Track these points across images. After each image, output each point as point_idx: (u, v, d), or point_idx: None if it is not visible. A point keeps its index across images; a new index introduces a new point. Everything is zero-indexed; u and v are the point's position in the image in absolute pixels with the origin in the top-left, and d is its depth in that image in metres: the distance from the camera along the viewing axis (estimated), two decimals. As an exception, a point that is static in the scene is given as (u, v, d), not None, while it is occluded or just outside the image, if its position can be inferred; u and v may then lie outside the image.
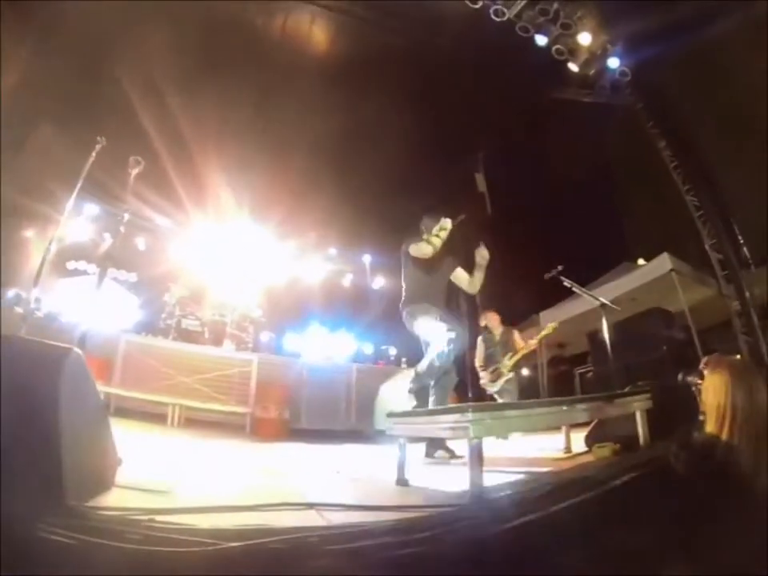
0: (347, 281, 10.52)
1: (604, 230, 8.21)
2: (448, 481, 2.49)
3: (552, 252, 6.79)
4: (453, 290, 4.00)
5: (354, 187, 8.28)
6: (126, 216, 3.67)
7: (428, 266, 3.73)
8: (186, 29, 6.96)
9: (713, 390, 1.87)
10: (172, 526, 1.33)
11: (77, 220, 7.82)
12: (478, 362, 5.76)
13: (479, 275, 3.79)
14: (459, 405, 2.12)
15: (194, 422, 5.94)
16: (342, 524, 1.53)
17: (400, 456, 2.57)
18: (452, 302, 4.10)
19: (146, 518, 1.41)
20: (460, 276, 3.91)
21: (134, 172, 3.80)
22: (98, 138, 3.92)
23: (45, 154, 7.33)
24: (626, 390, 3.19)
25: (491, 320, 5.87)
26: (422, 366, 3.57)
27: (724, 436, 1.80)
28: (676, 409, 2.90)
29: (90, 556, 1.15)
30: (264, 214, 8.39)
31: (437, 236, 3.64)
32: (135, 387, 6.03)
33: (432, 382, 3.56)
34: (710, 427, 1.89)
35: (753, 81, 6.30)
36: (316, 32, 7.38)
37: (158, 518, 1.42)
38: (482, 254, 3.74)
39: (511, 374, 5.44)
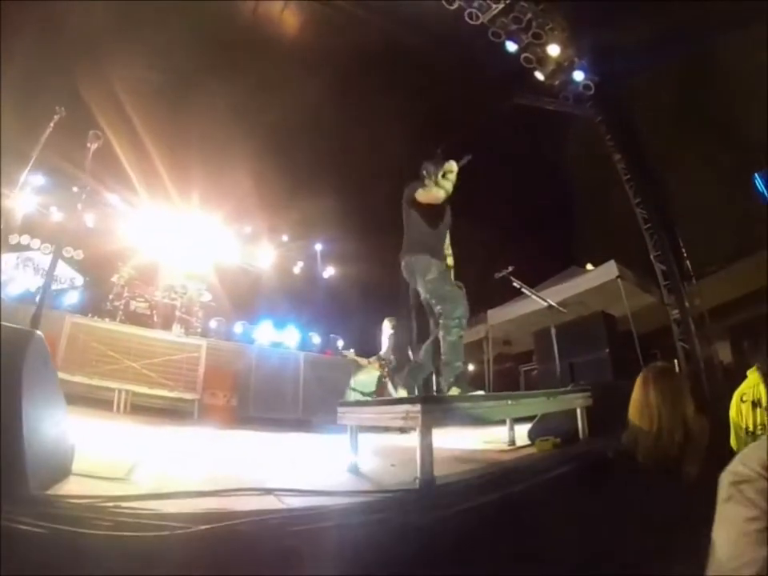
0: (298, 268, 10.52)
1: (556, 234, 8.66)
2: (397, 468, 2.67)
3: (503, 252, 7.18)
4: None
5: (308, 175, 8.31)
6: (84, 193, 3.55)
7: (433, 214, 3.47)
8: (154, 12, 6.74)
9: (636, 389, 2.13)
10: (139, 512, 1.40)
11: (23, 192, 7.41)
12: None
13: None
14: (410, 396, 2.27)
15: (140, 408, 5.83)
16: (301, 507, 1.65)
17: (351, 444, 2.71)
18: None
19: (111, 504, 1.48)
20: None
21: (93, 147, 3.67)
22: (57, 108, 3.77)
23: None
24: (569, 387, 3.47)
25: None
26: (448, 339, 3.12)
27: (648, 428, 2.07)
28: (614, 407, 3.22)
29: (60, 544, 1.21)
30: (216, 199, 8.27)
31: (446, 179, 3.39)
32: (80, 371, 5.83)
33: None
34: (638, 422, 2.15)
35: (712, 99, 6.85)
36: (287, 21, 7.30)
37: (123, 504, 1.48)
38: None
39: None
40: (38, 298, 4.26)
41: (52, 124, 4.02)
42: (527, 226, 8.11)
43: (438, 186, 3.32)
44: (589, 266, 8.21)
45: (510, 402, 2.62)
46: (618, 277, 6.74)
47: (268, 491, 1.87)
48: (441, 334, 3.06)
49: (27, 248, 7.98)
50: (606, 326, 6.28)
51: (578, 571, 1.79)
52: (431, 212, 3.41)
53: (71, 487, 1.71)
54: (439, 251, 3.44)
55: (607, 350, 6.02)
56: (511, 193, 8.28)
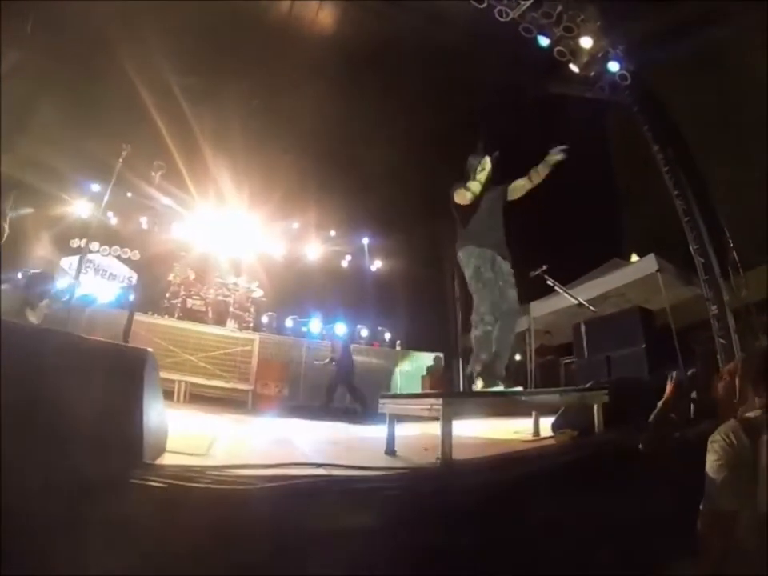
0: (346, 262, 11.14)
1: (601, 224, 8.79)
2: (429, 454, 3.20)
3: (546, 244, 7.45)
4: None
5: (354, 170, 8.81)
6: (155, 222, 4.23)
7: (471, 207, 3.80)
8: (190, 16, 7.35)
9: None
10: (222, 477, 2.01)
11: (81, 199, 8.40)
12: None
13: (545, 171, 3.85)
14: (436, 392, 2.78)
15: (198, 397, 6.65)
16: (344, 476, 2.23)
17: (389, 430, 3.26)
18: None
19: (203, 470, 2.10)
20: (517, 187, 4.00)
21: (158, 176, 4.37)
22: (124, 145, 4.48)
23: (47, 134, 7.81)
24: (588, 385, 3.87)
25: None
26: (474, 334, 3.53)
27: None
28: (630, 402, 3.60)
29: (179, 494, 1.82)
30: (264, 196, 8.93)
31: (476, 180, 3.74)
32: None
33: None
34: None
35: (753, 85, 6.81)
36: (322, 20, 7.77)
37: (211, 471, 2.10)
38: (554, 156, 3.83)
39: None
40: (127, 316, 5.05)
41: (120, 160, 4.73)
42: (570, 218, 8.29)
43: (467, 188, 3.73)
44: (633, 257, 8.35)
45: (523, 398, 3.08)
46: (657, 270, 6.90)
47: (318, 465, 2.45)
48: (472, 329, 3.54)
49: (87, 251, 9.04)
50: (642, 320, 6.50)
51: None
52: (470, 206, 3.80)
53: (168, 460, 2.35)
54: (488, 238, 3.78)
55: (643, 345, 6.27)
56: (552, 184, 8.48)
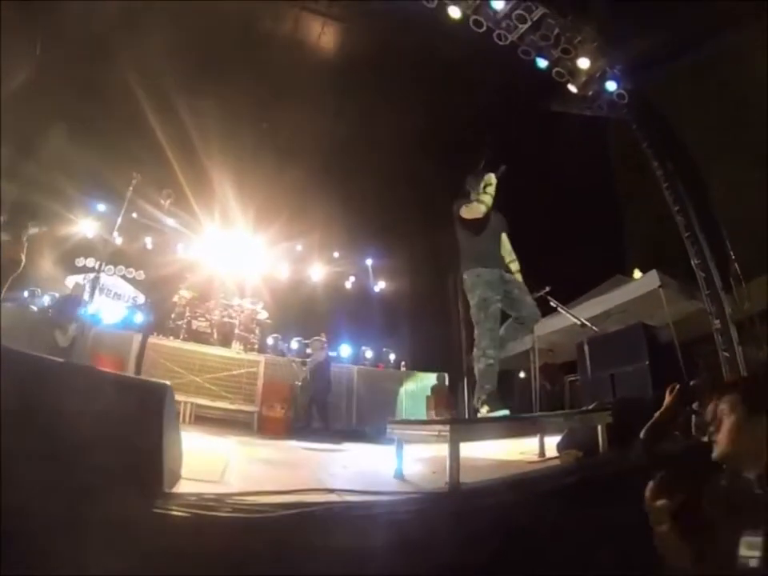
0: (349, 283, 11.32)
1: (603, 240, 8.96)
2: (436, 477, 3.31)
3: (549, 261, 7.60)
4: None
5: (357, 191, 9.04)
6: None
7: (479, 225, 3.86)
8: (192, 34, 7.59)
9: None
10: (245, 504, 2.14)
11: (86, 219, 8.62)
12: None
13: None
14: (443, 418, 2.92)
15: (203, 419, 6.77)
16: (356, 501, 2.35)
17: (397, 454, 3.38)
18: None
19: (220, 498, 2.23)
20: (504, 241, 4.12)
21: (167, 203, 4.57)
22: (134, 174, 4.69)
23: (56, 154, 8.04)
24: (591, 406, 3.99)
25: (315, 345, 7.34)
26: (477, 367, 3.62)
27: None
28: (632, 421, 3.71)
29: (201, 523, 1.95)
30: (268, 218, 9.14)
31: (486, 193, 3.79)
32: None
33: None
34: None
35: (751, 99, 7.01)
36: (325, 41, 8.07)
37: (227, 499, 2.23)
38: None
39: None
40: (141, 339, 5.22)
41: (131, 188, 4.93)
42: (572, 234, 8.48)
43: (479, 201, 3.82)
44: (636, 273, 8.50)
45: (528, 423, 3.21)
46: (659, 286, 7.04)
47: (331, 490, 2.57)
48: (474, 359, 3.65)
49: (92, 270, 9.21)
50: (645, 337, 6.63)
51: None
52: (478, 224, 3.87)
53: (185, 487, 2.47)
54: (492, 259, 3.87)
55: (647, 362, 6.39)
56: (554, 201, 8.68)
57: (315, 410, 7.25)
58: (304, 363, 7.65)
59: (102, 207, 8.93)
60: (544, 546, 2.49)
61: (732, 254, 7.52)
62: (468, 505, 2.50)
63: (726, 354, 6.59)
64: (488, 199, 3.79)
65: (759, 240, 7.50)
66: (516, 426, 3.22)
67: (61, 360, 3.86)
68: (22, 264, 5.23)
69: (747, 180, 7.21)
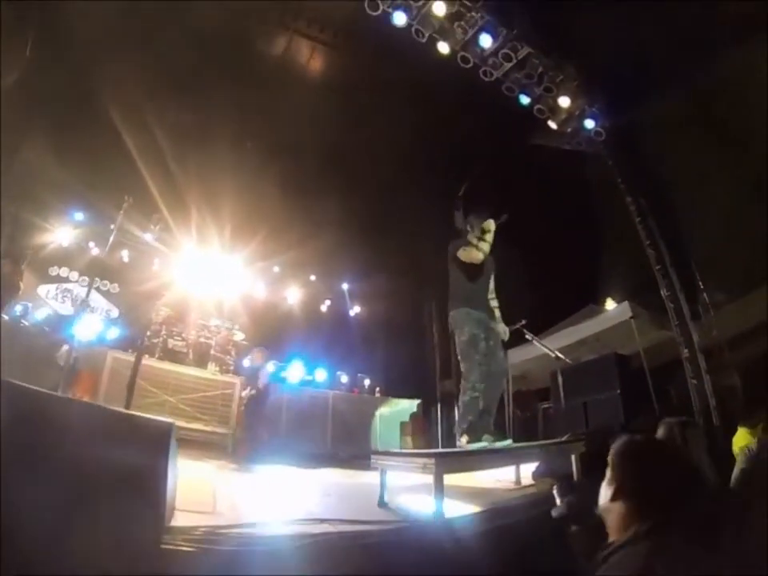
0: (325, 307, 11.51)
1: (576, 270, 9.42)
2: (417, 504, 3.53)
3: (524, 291, 7.98)
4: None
5: (335, 215, 9.27)
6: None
7: (474, 270, 4.12)
8: (181, 48, 7.74)
9: None
10: (248, 536, 2.31)
11: (64, 228, 8.61)
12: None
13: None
14: (428, 451, 3.15)
15: (177, 440, 6.78)
16: (348, 531, 2.56)
17: (381, 483, 3.58)
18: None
19: (216, 529, 2.40)
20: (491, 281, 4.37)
21: (157, 228, 4.72)
22: (126, 198, 4.83)
23: (33, 161, 8.02)
24: (566, 437, 4.29)
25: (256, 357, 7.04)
26: (462, 399, 3.87)
27: None
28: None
29: (209, 556, 2.12)
30: (246, 237, 9.28)
31: (484, 240, 4.04)
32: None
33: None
34: None
35: (726, 140, 7.60)
36: (313, 64, 8.36)
37: (223, 531, 2.40)
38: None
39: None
40: (134, 360, 5.30)
41: (122, 212, 5.06)
42: (547, 265, 8.90)
43: (478, 248, 4.08)
44: (609, 303, 8.98)
45: (507, 455, 3.49)
46: (631, 317, 7.49)
47: (322, 520, 2.77)
48: (460, 391, 3.93)
49: (66, 280, 9.18)
50: (617, 366, 7.01)
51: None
52: (473, 269, 4.14)
53: (184, 519, 2.62)
54: (480, 301, 4.17)
55: (618, 391, 6.77)
56: (532, 231, 9.10)
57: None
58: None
59: (79, 216, 8.92)
60: (529, 572, 2.75)
61: (701, 284, 8.08)
62: (453, 534, 2.74)
63: (695, 381, 7.02)
64: (486, 247, 4.08)
65: (731, 267, 8.08)
66: (495, 458, 3.48)
67: (68, 397, 3.96)
68: (21, 290, 5.31)
69: (724, 211, 7.79)
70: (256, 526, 2.51)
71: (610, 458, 1.57)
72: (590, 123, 7.55)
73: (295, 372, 9.39)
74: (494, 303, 4.46)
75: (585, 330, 8.14)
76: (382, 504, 3.44)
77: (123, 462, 2.13)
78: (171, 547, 2.10)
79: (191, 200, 8.66)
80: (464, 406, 3.80)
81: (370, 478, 4.64)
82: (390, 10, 6.43)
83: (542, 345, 5.65)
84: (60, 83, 7.38)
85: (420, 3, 6.36)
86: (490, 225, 4.18)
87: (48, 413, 2.23)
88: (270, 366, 7.59)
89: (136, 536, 2.04)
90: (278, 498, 3.67)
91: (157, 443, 2.35)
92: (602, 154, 8.04)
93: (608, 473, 1.57)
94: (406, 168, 8.96)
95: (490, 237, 4.12)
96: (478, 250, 4.06)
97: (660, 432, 2.73)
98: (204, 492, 3.47)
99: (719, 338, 7.58)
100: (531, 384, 8.87)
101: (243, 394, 6.90)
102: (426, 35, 6.67)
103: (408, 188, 9.20)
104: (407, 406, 9.37)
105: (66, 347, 5.08)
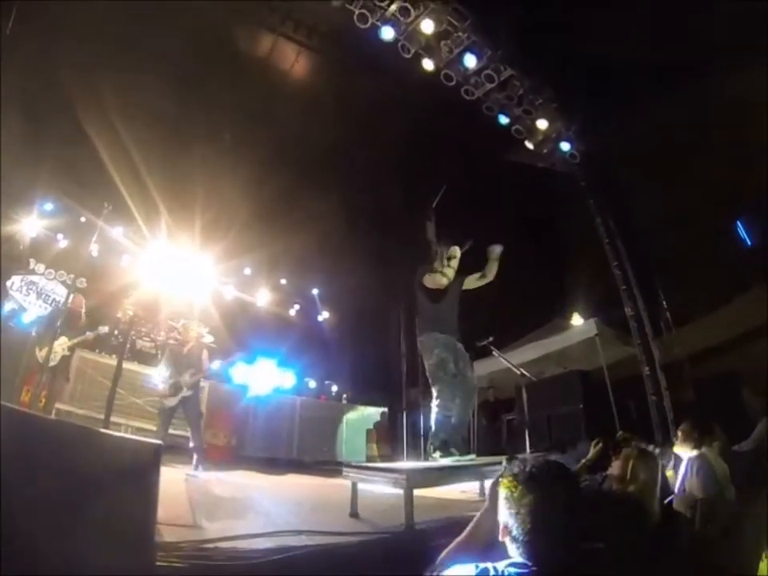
0: (294, 311, 11.67)
1: (545, 283, 9.87)
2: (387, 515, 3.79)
3: (492, 303, 8.31)
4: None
5: (309, 219, 9.45)
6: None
7: (439, 294, 4.39)
8: (161, 45, 7.75)
9: None
10: (232, 550, 2.50)
11: (30, 217, 8.48)
12: (161, 372, 6.07)
13: (494, 266, 4.65)
14: (399, 466, 3.42)
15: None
16: (323, 544, 2.79)
17: (353, 495, 3.82)
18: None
19: (200, 544, 2.58)
20: (471, 280, 4.71)
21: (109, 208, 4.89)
22: (105, 205, 4.92)
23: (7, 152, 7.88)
24: (527, 453, 4.63)
25: (186, 332, 6.48)
26: (435, 417, 4.16)
27: None
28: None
29: (201, 571, 2.29)
30: (216, 236, 9.33)
31: (449, 266, 4.29)
32: (87, 405, 6.89)
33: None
34: None
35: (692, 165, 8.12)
36: (297, 68, 8.49)
37: (208, 544, 2.58)
38: (495, 250, 4.66)
39: (190, 392, 5.97)
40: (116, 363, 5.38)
41: (101, 219, 5.14)
42: (514, 278, 9.27)
43: (442, 274, 4.33)
44: (575, 318, 9.44)
45: (470, 471, 3.80)
46: (596, 335, 7.95)
47: (299, 532, 2.99)
48: (432, 410, 4.21)
49: (32, 272, 9.01)
50: (581, 382, 7.48)
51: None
52: (438, 293, 4.43)
53: (168, 534, 2.76)
54: (449, 326, 4.42)
55: (581, 405, 7.22)
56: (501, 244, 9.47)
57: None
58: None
59: (49, 206, 8.79)
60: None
61: (665, 303, 8.61)
62: (423, 544, 3.00)
63: (654, 397, 7.52)
64: (450, 273, 4.35)
65: (695, 288, 8.62)
66: (462, 473, 3.78)
67: (55, 419, 4.02)
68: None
69: (689, 233, 8.32)
70: (238, 539, 2.71)
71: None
72: (565, 146, 7.96)
73: (264, 375, 9.52)
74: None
75: (550, 345, 8.57)
76: (353, 514, 3.68)
77: (112, 484, 2.19)
78: (165, 564, 2.25)
79: (162, 197, 8.65)
80: (436, 424, 4.10)
81: (336, 485, 4.93)
82: (379, 23, 6.65)
83: (508, 362, 5.99)
84: (32, 71, 7.29)
85: (409, 20, 6.59)
86: (456, 252, 4.42)
87: (35, 434, 2.28)
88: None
89: (130, 556, 2.15)
90: (252, 508, 3.87)
91: (147, 464, 2.46)
92: (574, 175, 8.49)
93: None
94: (379, 175, 9.23)
95: (454, 263, 4.38)
96: (442, 276, 4.32)
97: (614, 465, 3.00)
98: (179, 503, 3.64)
99: (680, 354, 8.11)
100: (498, 393, 9.23)
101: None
102: (412, 51, 6.93)
103: (380, 195, 9.48)
104: (374, 413, 9.66)
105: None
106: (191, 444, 5.86)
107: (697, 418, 3.86)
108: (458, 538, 1.68)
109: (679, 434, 4.22)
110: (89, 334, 6.07)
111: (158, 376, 6.10)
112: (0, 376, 5.38)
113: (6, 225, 8.06)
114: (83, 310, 6.32)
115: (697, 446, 3.58)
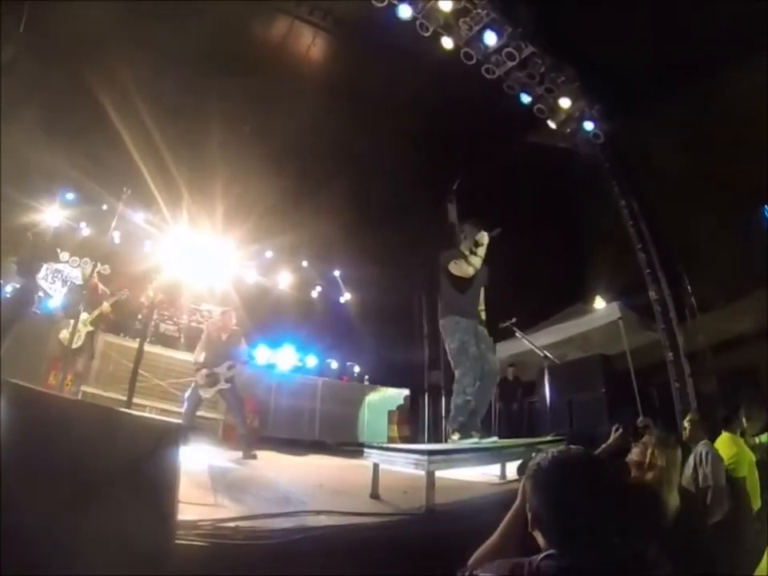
0: (315, 293, 11.66)
1: (568, 266, 9.65)
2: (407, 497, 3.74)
3: (514, 286, 8.17)
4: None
5: (330, 202, 9.36)
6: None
7: (464, 283, 4.29)
8: (178, 32, 7.69)
9: None
10: (252, 529, 2.47)
11: (53, 207, 8.59)
12: (196, 358, 5.97)
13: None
14: (421, 447, 3.36)
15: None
16: (343, 524, 2.75)
17: (374, 476, 3.78)
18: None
19: (221, 523, 2.56)
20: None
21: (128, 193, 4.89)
22: (124, 189, 4.91)
23: (25, 143, 7.95)
24: (550, 437, 4.53)
25: (226, 321, 6.26)
26: (455, 401, 4.13)
27: None
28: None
29: (220, 550, 2.27)
30: (238, 221, 9.32)
31: (475, 254, 4.17)
32: (112, 387, 6.99)
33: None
34: None
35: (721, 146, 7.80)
36: (313, 51, 8.35)
37: (229, 523, 2.56)
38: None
39: (228, 385, 5.87)
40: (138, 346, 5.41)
41: (121, 203, 5.13)
42: (537, 261, 9.10)
43: (469, 263, 4.21)
44: (597, 302, 9.22)
45: (493, 453, 3.72)
46: (619, 318, 7.75)
47: (319, 512, 2.95)
48: (453, 392, 4.17)
49: (57, 260, 9.16)
50: (603, 367, 7.32)
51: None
52: (463, 282, 4.31)
53: (189, 512, 2.74)
54: (470, 311, 4.35)
55: (603, 390, 7.06)
56: (523, 227, 9.28)
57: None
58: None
59: (70, 196, 8.89)
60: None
61: (690, 288, 8.35)
62: (443, 526, 2.95)
63: (677, 384, 7.32)
64: (477, 262, 4.23)
65: (720, 273, 8.34)
66: (484, 456, 3.70)
67: (78, 399, 4.05)
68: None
69: (716, 218, 8.02)
70: (259, 519, 2.69)
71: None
72: (588, 125, 7.72)
73: (286, 359, 9.55)
74: (482, 315, 4.66)
75: (572, 329, 8.40)
76: (374, 496, 3.64)
77: (134, 463, 2.20)
78: (185, 542, 2.24)
79: (183, 183, 8.65)
80: (456, 408, 4.03)
81: (357, 466, 4.91)
82: (396, 1, 6.48)
83: (531, 343, 5.88)
84: (51, 65, 7.32)
85: (427, -2, 6.42)
86: (483, 238, 4.29)
87: (55, 415, 2.27)
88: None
89: (151, 533, 2.12)
90: (273, 488, 3.86)
91: (166, 443, 2.44)
92: (597, 156, 8.23)
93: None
94: (400, 159, 9.06)
95: (482, 251, 4.25)
96: (468, 265, 4.21)
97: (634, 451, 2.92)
98: (201, 482, 3.65)
99: (703, 342, 7.88)
100: (520, 373, 9.08)
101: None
102: (431, 30, 6.75)
103: (402, 179, 9.34)
104: (395, 395, 9.62)
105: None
106: (240, 432, 5.93)
107: (704, 409, 3.90)
108: (491, 537, 1.67)
109: (686, 424, 4.20)
110: (105, 305, 6.07)
111: (194, 362, 6.03)
112: (24, 360, 5.43)
113: (31, 215, 8.16)
114: (99, 286, 6.37)
115: (706, 436, 3.77)
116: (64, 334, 5.87)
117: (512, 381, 9.08)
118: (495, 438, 4.41)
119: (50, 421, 2.20)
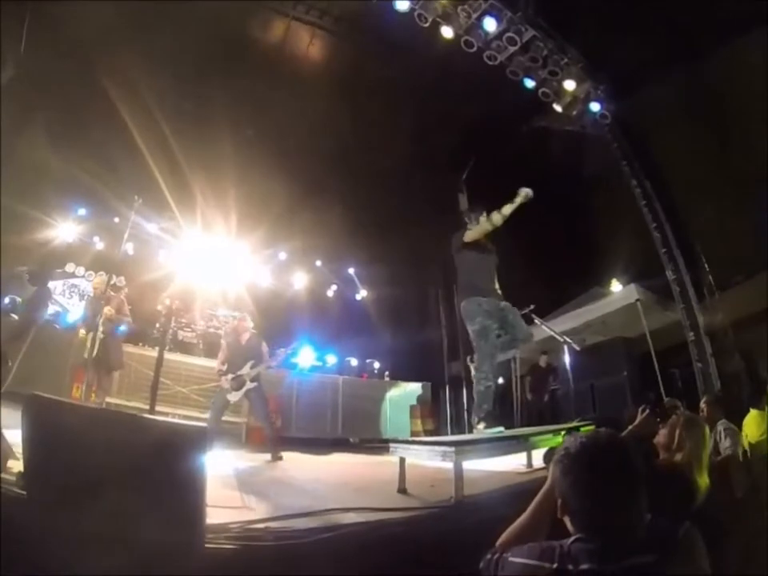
0: (331, 292, 11.65)
1: (583, 251, 9.50)
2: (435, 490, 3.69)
3: (530, 272, 8.06)
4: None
5: (341, 200, 9.35)
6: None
7: (479, 255, 4.17)
8: (182, 37, 7.71)
9: None
10: (281, 530, 2.44)
11: (67, 222, 8.68)
12: (219, 367, 5.92)
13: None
14: (448, 439, 3.30)
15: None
16: (373, 520, 2.71)
17: (400, 471, 3.74)
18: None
19: (250, 524, 2.53)
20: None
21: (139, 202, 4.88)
22: (135, 198, 4.93)
23: (36, 158, 8.04)
24: (576, 422, 4.45)
25: (240, 325, 6.29)
26: (477, 388, 4.03)
27: None
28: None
29: (251, 552, 2.23)
30: (251, 225, 9.34)
31: (500, 212, 3.86)
32: (135, 397, 7.04)
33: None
34: None
35: (729, 114, 7.61)
36: (312, 50, 8.32)
37: (258, 525, 2.53)
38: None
39: (254, 384, 5.76)
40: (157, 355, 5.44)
41: (133, 213, 5.16)
42: (552, 247, 8.99)
43: (488, 219, 4.00)
44: (614, 285, 9.07)
45: (519, 441, 3.66)
46: (637, 300, 7.61)
47: (348, 509, 2.92)
48: (474, 380, 4.10)
49: (72, 275, 9.28)
50: (624, 350, 7.20)
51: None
52: (477, 254, 4.22)
53: (217, 515, 2.70)
54: (490, 288, 4.23)
55: (625, 374, 6.95)
56: (536, 214, 9.16)
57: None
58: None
59: (82, 211, 8.97)
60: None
61: (707, 266, 8.18)
62: (473, 517, 2.90)
63: (700, 364, 7.18)
64: (497, 218, 3.93)
65: (735, 249, 8.16)
66: (511, 445, 3.64)
67: (103, 408, 4.05)
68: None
69: (730, 193, 7.84)
70: (288, 519, 2.66)
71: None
72: (595, 106, 7.59)
73: (305, 358, 9.56)
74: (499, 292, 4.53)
75: (591, 313, 8.27)
76: (401, 491, 3.60)
77: (161, 469, 2.21)
78: (214, 546, 2.21)
79: (196, 188, 8.69)
80: (479, 396, 3.96)
81: (382, 463, 4.87)
82: (393, -6, 6.42)
83: (551, 330, 5.77)
84: (61, 75, 7.37)
85: (423, -12, 6.34)
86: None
87: (82, 424, 2.29)
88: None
89: (180, 539, 2.11)
90: (299, 488, 3.84)
91: (195, 449, 2.42)
92: (606, 136, 8.09)
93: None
94: (411, 153, 9.01)
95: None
96: (486, 221, 4.00)
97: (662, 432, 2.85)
98: (228, 485, 3.64)
99: (723, 320, 7.71)
100: (549, 359, 8.97)
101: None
102: (429, 20, 6.67)
103: (414, 173, 9.28)
104: (416, 390, 9.58)
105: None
106: (267, 433, 5.93)
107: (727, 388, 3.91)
108: (520, 519, 1.59)
109: (703, 405, 4.12)
110: (107, 308, 6.04)
111: (217, 371, 6.00)
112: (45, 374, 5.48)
113: (45, 230, 8.27)
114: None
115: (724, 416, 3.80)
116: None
117: (545, 368, 8.84)
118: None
119: (77, 430, 2.24)
